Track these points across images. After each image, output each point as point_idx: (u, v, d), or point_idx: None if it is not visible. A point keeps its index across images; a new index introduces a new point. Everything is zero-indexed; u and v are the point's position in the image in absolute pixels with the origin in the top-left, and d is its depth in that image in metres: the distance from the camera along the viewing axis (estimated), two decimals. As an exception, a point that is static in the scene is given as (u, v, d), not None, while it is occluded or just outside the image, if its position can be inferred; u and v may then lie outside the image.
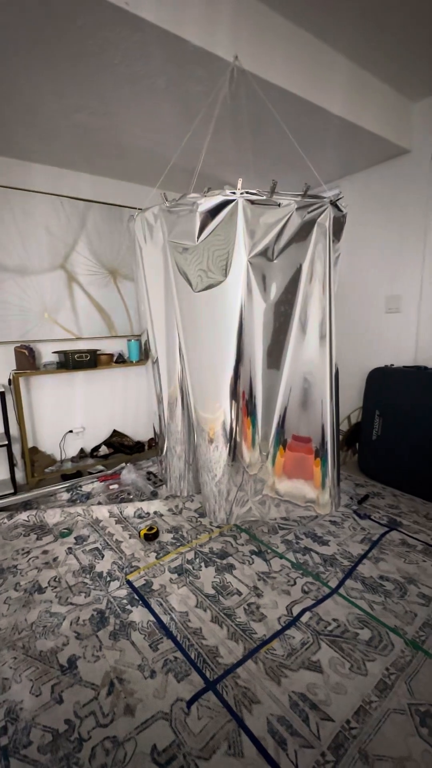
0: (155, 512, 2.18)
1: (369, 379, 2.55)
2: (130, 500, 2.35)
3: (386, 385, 2.44)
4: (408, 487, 2.36)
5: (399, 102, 2.32)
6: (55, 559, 1.77)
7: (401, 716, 1.05)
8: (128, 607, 1.47)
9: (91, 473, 2.69)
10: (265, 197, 1.26)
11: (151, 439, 3.17)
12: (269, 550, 1.80)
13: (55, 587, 1.59)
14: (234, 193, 1.24)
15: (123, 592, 1.54)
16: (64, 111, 1.89)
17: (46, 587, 1.59)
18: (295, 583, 1.58)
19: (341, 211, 1.44)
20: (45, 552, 1.84)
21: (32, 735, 1.02)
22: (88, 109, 1.89)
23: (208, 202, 1.27)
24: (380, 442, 2.48)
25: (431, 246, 2.40)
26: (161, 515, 2.15)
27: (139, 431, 3.19)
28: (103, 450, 2.91)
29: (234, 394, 1.48)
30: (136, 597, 1.52)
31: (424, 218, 2.40)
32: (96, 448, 2.93)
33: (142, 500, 2.31)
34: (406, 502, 2.27)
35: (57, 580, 1.63)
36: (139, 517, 2.14)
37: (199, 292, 1.40)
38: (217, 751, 0.98)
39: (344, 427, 2.83)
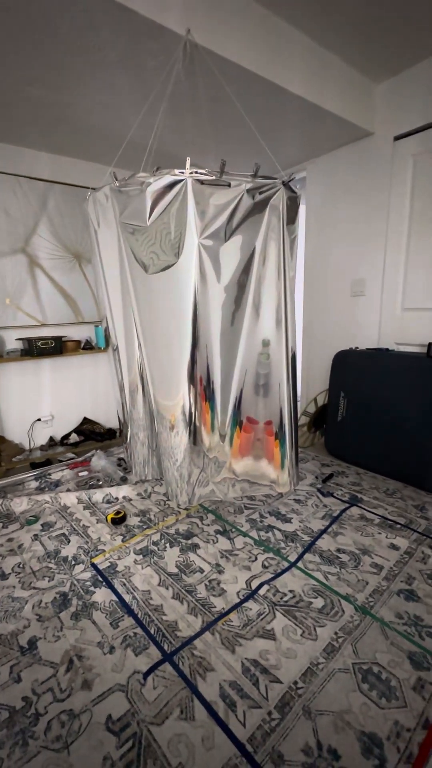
0: (124, 497, 2.19)
1: (334, 361, 2.61)
2: (100, 486, 2.36)
3: (350, 367, 2.50)
4: (371, 465, 2.46)
5: (362, 83, 2.31)
6: (20, 546, 1.77)
7: (345, 675, 1.12)
8: (91, 588, 1.49)
9: (61, 461, 2.67)
10: (214, 177, 1.25)
11: (123, 425, 3.16)
12: (234, 530, 1.85)
13: (19, 573, 1.59)
14: (183, 173, 1.23)
15: (87, 575, 1.57)
16: (16, 83, 1.80)
17: (10, 573, 1.59)
18: (256, 559, 1.64)
19: (294, 192, 1.45)
20: (10, 540, 1.83)
21: (-11, 713, 1.04)
22: (40, 81, 1.80)
23: (157, 182, 1.25)
24: (345, 423, 2.56)
25: (393, 228, 2.45)
26: (130, 500, 2.17)
27: (111, 418, 3.18)
28: (74, 438, 2.89)
29: (192, 380, 1.49)
30: (100, 579, 1.54)
31: (387, 200, 2.44)
32: (66, 436, 2.90)
33: (112, 486, 2.32)
34: (368, 479, 2.37)
35: (21, 566, 1.64)
36: (108, 502, 2.16)
37: (152, 274, 1.39)
38: (170, 716, 1.02)
39: (312, 409, 2.89)
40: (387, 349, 2.43)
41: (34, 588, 1.50)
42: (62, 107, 2.02)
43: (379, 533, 1.79)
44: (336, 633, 1.26)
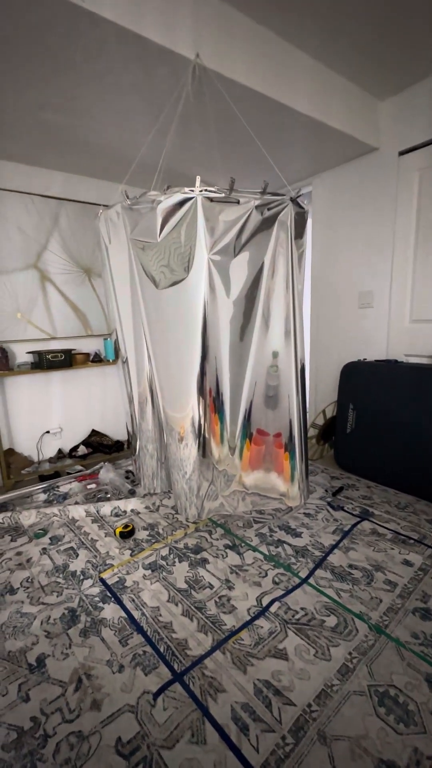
0: (132, 510, 2.18)
1: (342, 373, 2.60)
2: (108, 499, 2.35)
3: (359, 379, 2.49)
4: (381, 478, 2.42)
5: (366, 101, 2.36)
6: (28, 560, 1.77)
7: (360, 697, 1.09)
8: (100, 604, 1.47)
9: (69, 473, 2.68)
10: (223, 195, 1.27)
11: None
12: (243, 544, 1.82)
13: (27, 587, 1.58)
14: (192, 191, 1.26)
15: (96, 590, 1.55)
16: (29, 108, 1.87)
17: (18, 588, 1.58)
18: (266, 574, 1.61)
19: (302, 208, 1.47)
20: (19, 553, 1.83)
21: (-3, 734, 1.02)
22: (54, 107, 1.87)
23: (167, 200, 1.28)
24: (354, 435, 2.54)
25: (400, 241, 2.46)
26: (138, 513, 2.16)
27: (118, 430, 3.19)
28: (82, 450, 2.89)
29: (201, 391, 1.49)
30: (109, 594, 1.52)
31: (393, 214, 2.45)
32: (74, 448, 2.91)
33: (120, 499, 2.31)
34: (379, 493, 2.33)
35: (29, 580, 1.63)
36: (116, 515, 2.15)
37: (162, 289, 1.41)
38: (181, 739, 1.00)
39: (320, 421, 2.87)
40: (396, 361, 2.42)
41: (43, 603, 1.49)
42: (74, 129, 2.09)
43: (392, 548, 1.76)
44: (350, 653, 1.23)
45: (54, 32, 1.40)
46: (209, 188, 1.27)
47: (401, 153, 2.37)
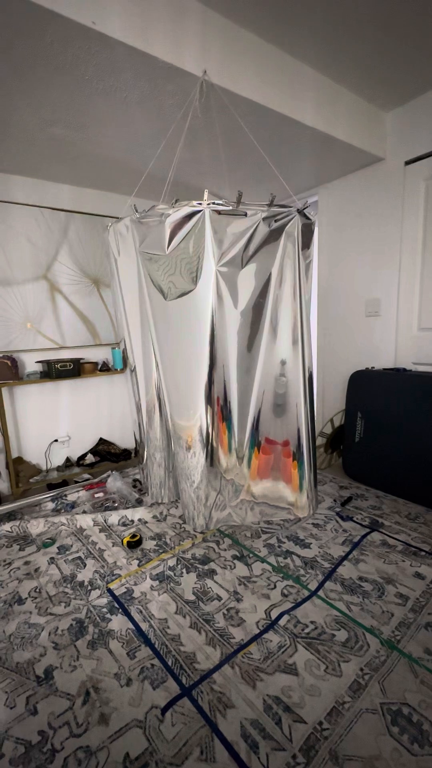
0: (140, 519, 2.18)
1: (350, 382, 2.59)
2: (115, 508, 2.35)
3: (367, 387, 2.47)
4: (391, 488, 2.39)
5: (371, 112, 2.38)
6: (36, 570, 1.77)
7: (373, 716, 1.06)
8: (108, 615, 1.47)
9: (77, 482, 2.69)
10: (231, 208, 1.29)
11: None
12: (251, 555, 1.81)
13: (35, 598, 1.58)
14: (200, 204, 1.27)
15: (103, 601, 1.54)
16: (39, 124, 1.92)
17: (26, 598, 1.58)
18: (275, 586, 1.59)
19: (309, 219, 1.48)
20: (27, 563, 1.83)
21: (5, 747, 1.01)
22: (63, 122, 1.92)
23: (176, 214, 1.30)
24: (363, 444, 2.51)
25: (407, 249, 2.46)
26: (146, 522, 2.15)
27: (126, 439, 3.20)
28: (90, 458, 2.90)
29: (209, 400, 1.50)
30: (116, 605, 1.52)
31: (400, 222, 2.46)
32: (82, 457, 2.92)
33: (127, 508, 2.31)
34: (389, 503, 2.30)
35: (37, 590, 1.63)
36: (124, 525, 2.14)
37: (170, 300, 1.43)
38: (190, 756, 0.98)
39: (328, 429, 2.85)
40: (404, 369, 2.40)
41: (51, 614, 1.49)
42: (84, 144, 2.13)
43: (403, 561, 1.73)
44: (362, 669, 1.20)
45: (66, 53, 1.44)
46: (217, 201, 1.29)
47: (407, 162, 2.38)
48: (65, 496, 2.52)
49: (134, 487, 2.62)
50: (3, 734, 1.05)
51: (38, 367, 2.67)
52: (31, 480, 2.61)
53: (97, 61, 1.49)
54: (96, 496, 2.51)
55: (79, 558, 1.84)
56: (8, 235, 2.49)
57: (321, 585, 1.59)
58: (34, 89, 1.64)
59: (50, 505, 2.43)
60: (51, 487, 2.61)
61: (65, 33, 1.35)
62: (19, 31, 1.33)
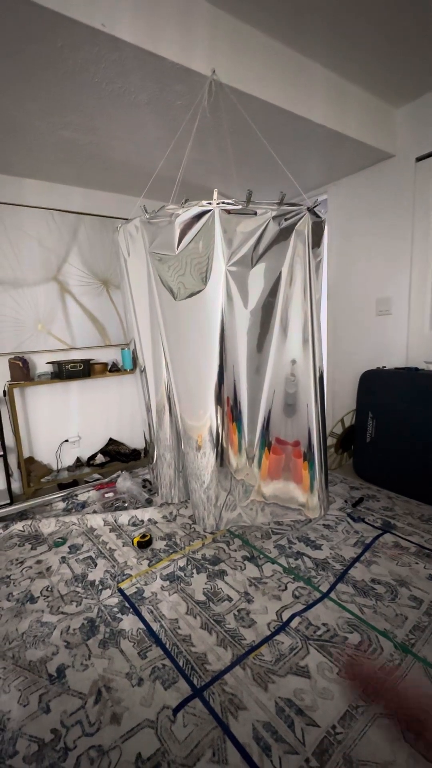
0: (150, 519, 2.18)
1: (361, 381, 2.56)
2: (125, 508, 2.36)
3: (378, 387, 2.44)
4: (403, 489, 2.36)
5: (381, 109, 2.35)
6: (48, 569, 1.78)
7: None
8: (119, 615, 1.47)
9: (87, 482, 2.71)
10: (241, 207, 1.29)
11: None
12: (261, 556, 1.80)
13: (47, 597, 1.59)
14: (210, 203, 1.27)
15: (114, 601, 1.55)
16: (50, 127, 1.94)
17: (38, 597, 1.59)
18: (286, 588, 1.58)
19: (319, 217, 1.47)
20: (39, 562, 1.85)
21: (18, 745, 1.02)
22: (73, 125, 1.93)
23: (185, 214, 1.30)
24: (374, 444, 2.48)
25: (418, 247, 2.42)
26: (155, 522, 2.16)
27: (135, 439, 3.21)
28: (100, 458, 2.92)
29: (219, 400, 1.49)
30: (127, 605, 1.52)
31: (411, 220, 2.42)
32: (92, 457, 2.95)
33: (137, 508, 2.32)
34: (401, 504, 2.26)
35: (49, 589, 1.64)
36: (134, 524, 2.15)
37: (180, 300, 1.43)
38: (202, 758, 0.97)
39: (338, 429, 2.83)
40: (416, 369, 2.37)
41: (62, 613, 1.50)
42: (93, 146, 2.15)
43: (417, 563, 1.70)
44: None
45: (76, 56, 1.45)
46: (226, 200, 1.28)
47: (418, 159, 2.35)
48: (76, 495, 2.54)
49: (144, 487, 2.63)
50: (17, 732, 1.05)
51: (49, 368, 2.69)
52: (42, 480, 2.63)
53: (106, 63, 1.50)
54: (106, 495, 2.52)
55: (90, 557, 1.86)
56: (20, 237, 2.52)
57: (333, 587, 1.57)
58: (44, 93, 1.66)
59: (61, 505, 2.45)
60: (62, 486, 2.63)
61: (75, 36, 1.36)
62: (31, 36, 1.34)
